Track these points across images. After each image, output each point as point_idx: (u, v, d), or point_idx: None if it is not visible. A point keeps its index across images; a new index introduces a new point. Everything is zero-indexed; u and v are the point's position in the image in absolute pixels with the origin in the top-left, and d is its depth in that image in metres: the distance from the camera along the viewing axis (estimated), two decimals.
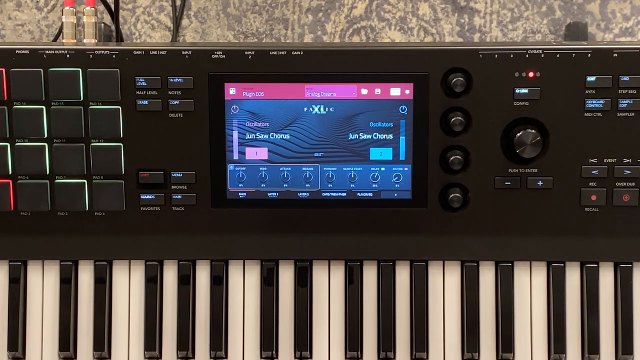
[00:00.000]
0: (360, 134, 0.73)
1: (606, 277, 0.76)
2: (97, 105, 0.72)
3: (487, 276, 0.76)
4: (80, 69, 0.72)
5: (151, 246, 0.75)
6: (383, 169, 0.74)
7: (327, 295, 0.76)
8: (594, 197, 0.73)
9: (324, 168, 0.74)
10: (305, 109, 0.73)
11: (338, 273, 0.77)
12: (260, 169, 0.74)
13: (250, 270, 0.76)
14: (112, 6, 0.87)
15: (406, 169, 0.74)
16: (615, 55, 0.71)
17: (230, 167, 0.74)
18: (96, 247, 0.75)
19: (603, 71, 0.71)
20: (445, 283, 0.76)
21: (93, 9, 0.81)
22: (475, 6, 0.95)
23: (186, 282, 0.76)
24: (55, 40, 0.94)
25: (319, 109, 0.73)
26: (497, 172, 0.73)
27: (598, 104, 0.71)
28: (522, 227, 0.74)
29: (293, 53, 0.72)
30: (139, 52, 0.72)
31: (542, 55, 0.71)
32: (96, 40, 0.81)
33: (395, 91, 0.72)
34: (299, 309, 0.76)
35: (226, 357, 0.76)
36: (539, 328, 0.76)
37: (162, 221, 0.74)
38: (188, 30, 0.96)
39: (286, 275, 0.76)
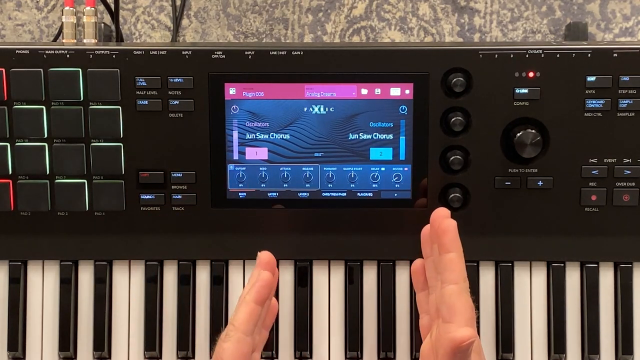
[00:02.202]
0: (360, 134, 0.73)
1: (606, 277, 0.76)
2: (97, 105, 0.72)
3: (487, 276, 0.76)
4: (80, 69, 0.72)
5: (151, 246, 0.75)
6: (383, 169, 0.74)
7: (327, 295, 0.77)
8: (594, 197, 0.73)
9: (324, 168, 0.74)
10: (305, 109, 0.73)
11: (338, 273, 0.77)
12: (260, 169, 0.74)
13: (251, 270, 0.76)
14: (112, 6, 0.87)
15: (406, 169, 0.74)
16: (615, 55, 0.71)
17: (230, 167, 0.74)
18: (96, 247, 0.75)
19: (603, 71, 0.71)
20: None
21: (93, 9, 0.81)
22: (475, 6, 0.95)
23: (186, 282, 0.76)
24: (55, 40, 0.94)
25: (319, 109, 0.73)
26: (497, 172, 0.73)
27: (598, 104, 0.72)
28: (522, 227, 0.74)
29: (293, 53, 0.72)
30: (139, 52, 0.72)
31: (542, 55, 0.71)
32: (96, 40, 0.81)
33: (395, 91, 0.72)
34: (299, 309, 0.76)
35: None
36: (539, 328, 0.76)
37: (162, 221, 0.74)
38: (188, 30, 0.96)
39: (286, 275, 0.76)
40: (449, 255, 0.64)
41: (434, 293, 0.66)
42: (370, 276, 0.76)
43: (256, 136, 0.73)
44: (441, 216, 0.66)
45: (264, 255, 0.67)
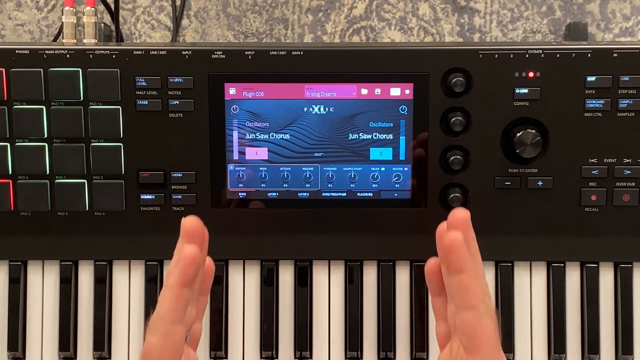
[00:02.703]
0: (360, 134, 0.73)
1: (606, 277, 0.76)
2: (97, 105, 0.72)
3: (487, 276, 0.75)
4: (80, 69, 0.72)
5: (151, 246, 0.75)
6: (383, 169, 0.74)
7: (327, 295, 0.77)
8: (594, 197, 0.73)
9: (324, 168, 0.74)
10: (305, 109, 0.73)
11: (338, 273, 0.77)
12: (260, 169, 0.74)
13: (250, 270, 0.77)
14: (112, 6, 0.87)
15: (406, 169, 0.74)
16: (615, 55, 0.71)
17: (230, 167, 0.74)
18: (96, 247, 0.75)
19: (603, 71, 0.71)
20: None
21: (93, 9, 0.81)
22: (475, 6, 0.95)
23: None
24: (55, 40, 0.94)
25: (319, 109, 0.73)
26: (497, 172, 0.73)
27: (598, 104, 0.71)
28: (522, 227, 0.74)
29: (293, 53, 0.72)
30: (139, 52, 0.72)
31: (542, 55, 0.71)
32: (96, 40, 0.81)
33: (395, 91, 0.72)
34: (299, 309, 0.76)
35: (226, 357, 0.76)
36: (539, 328, 0.76)
37: (162, 221, 0.74)
38: (188, 30, 0.96)
39: (286, 275, 0.76)
40: (459, 278, 0.55)
41: (452, 303, 0.58)
42: (370, 276, 0.76)
43: (256, 136, 0.73)
44: (457, 220, 0.57)
45: (188, 222, 0.54)
